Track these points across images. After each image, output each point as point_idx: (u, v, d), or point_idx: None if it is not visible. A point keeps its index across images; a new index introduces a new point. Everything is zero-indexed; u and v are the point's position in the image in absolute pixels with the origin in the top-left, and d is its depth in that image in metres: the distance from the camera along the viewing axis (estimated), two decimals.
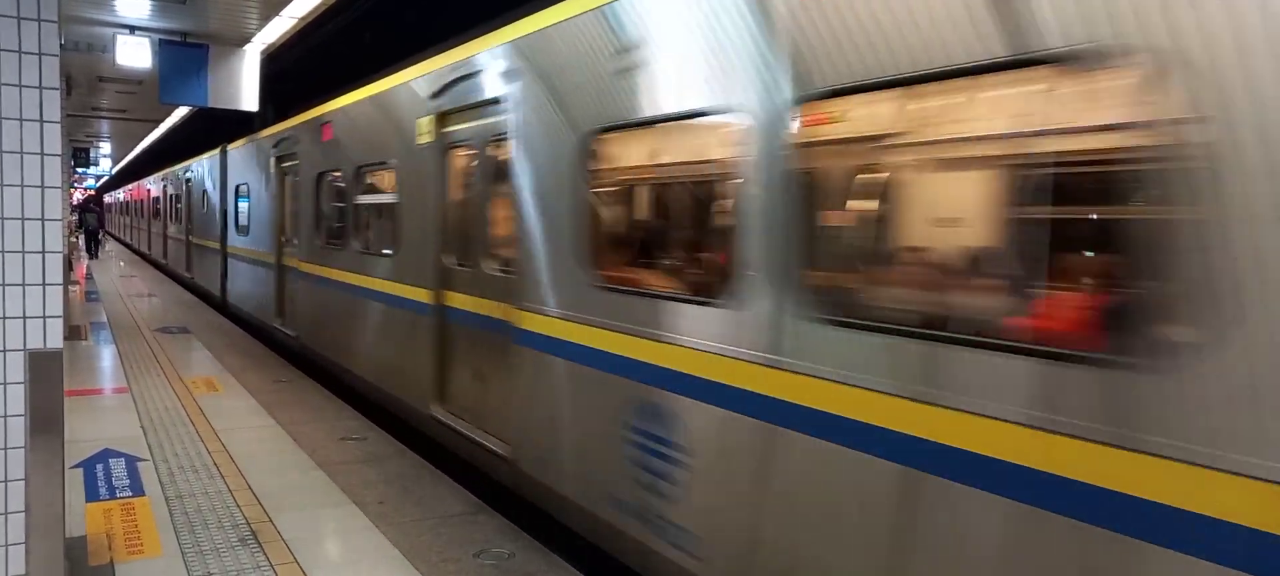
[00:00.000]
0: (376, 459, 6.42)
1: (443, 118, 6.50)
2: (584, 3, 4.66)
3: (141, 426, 7.08)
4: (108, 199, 52.36)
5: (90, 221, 30.17)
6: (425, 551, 4.72)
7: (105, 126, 22.44)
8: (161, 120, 19.12)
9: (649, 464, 4.20)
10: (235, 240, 14.19)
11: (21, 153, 3.53)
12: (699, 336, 3.91)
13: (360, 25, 13.29)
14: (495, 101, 5.65)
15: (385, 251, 7.67)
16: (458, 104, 6.22)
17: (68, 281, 9.41)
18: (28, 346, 3.56)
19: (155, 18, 9.11)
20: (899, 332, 3.05)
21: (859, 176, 3.70)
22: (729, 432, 3.75)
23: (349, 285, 8.61)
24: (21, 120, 3.53)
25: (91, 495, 5.42)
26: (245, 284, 13.55)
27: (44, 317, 3.60)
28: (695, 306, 3.97)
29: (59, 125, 3.62)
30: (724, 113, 3.74)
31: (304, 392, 8.71)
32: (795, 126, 3.41)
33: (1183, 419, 2.30)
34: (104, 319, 13.62)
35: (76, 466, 5.89)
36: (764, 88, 3.52)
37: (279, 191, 11.56)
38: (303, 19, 8.92)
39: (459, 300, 6.37)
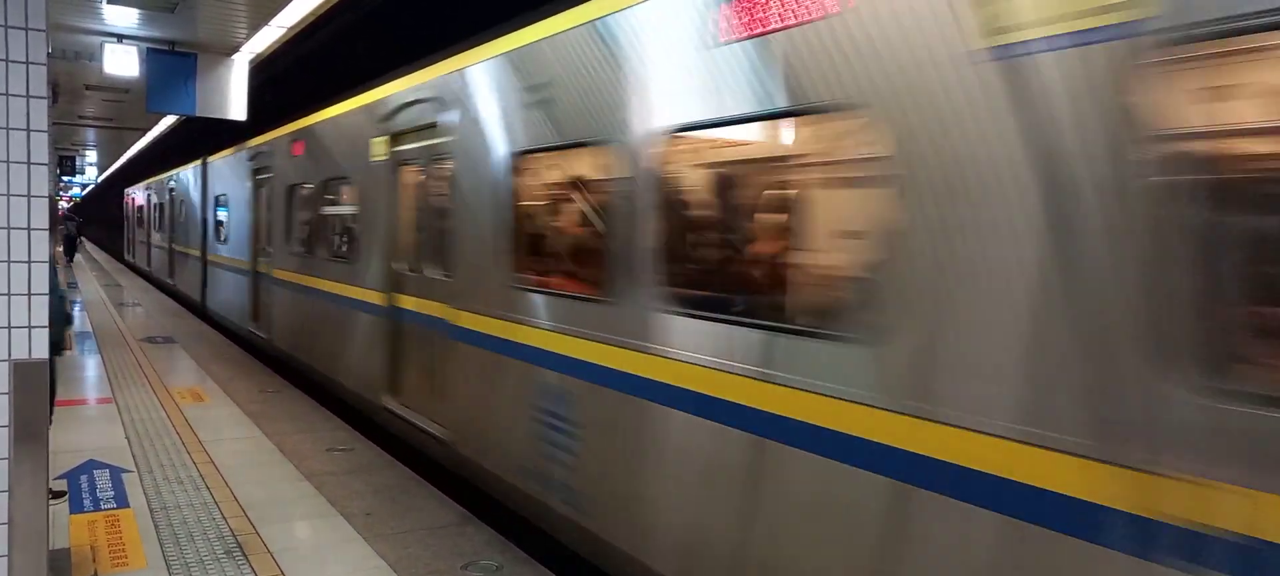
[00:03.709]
0: (364, 469, 6.39)
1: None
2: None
3: (127, 437, 7.02)
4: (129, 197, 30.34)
5: (70, 229, 31.36)
6: (412, 562, 4.70)
7: (91, 135, 22.33)
8: (148, 129, 19.05)
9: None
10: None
11: (8, 161, 3.51)
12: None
13: (351, 34, 13.27)
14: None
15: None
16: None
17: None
18: (13, 356, 3.53)
19: (143, 26, 9.09)
20: None
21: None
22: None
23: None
24: (8, 129, 3.51)
25: (76, 507, 5.37)
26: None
27: (29, 328, 3.57)
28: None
29: (46, 134, 3.60)
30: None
31: (291, 403, 8.67)
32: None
33: None
34: (89, 328, 13.52)
35: (61, 478, 5.83)
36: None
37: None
38: (292, 28, 8.91)
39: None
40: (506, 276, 5.34)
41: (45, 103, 3.58)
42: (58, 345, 5.23)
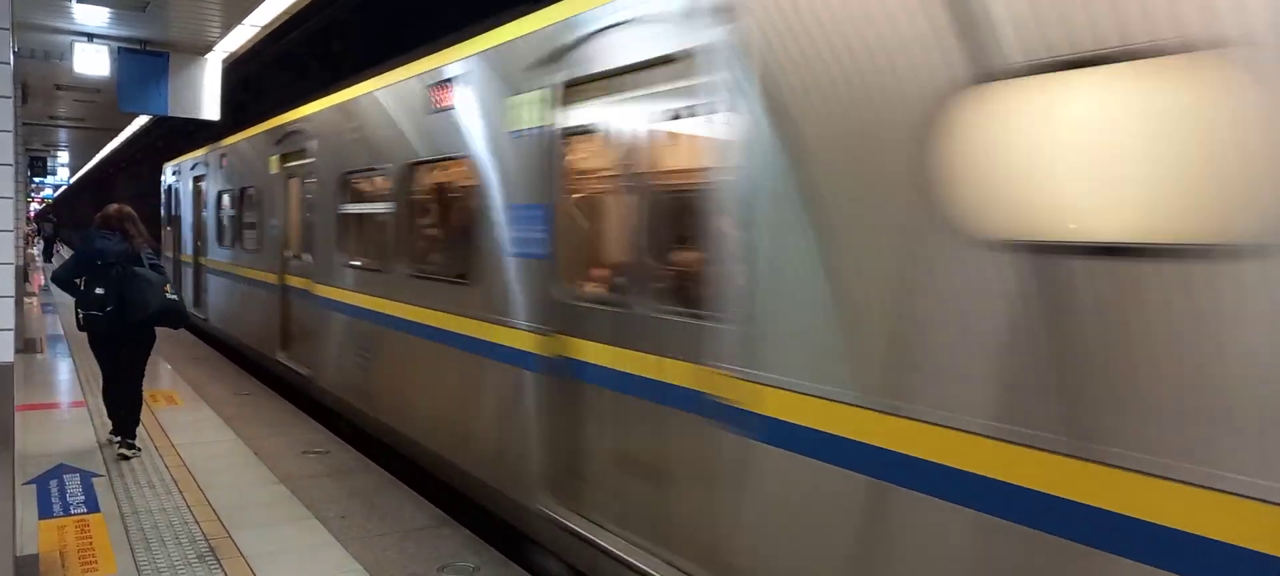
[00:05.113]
0: (339, 472, 6.35)
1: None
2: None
3: (98, 441, 6.94)
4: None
5: (46, 229, 30.75)
6: (388, 565, 4.68)
7: (63, 135, 22.06)
8: (121, 128, 18.83)
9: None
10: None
11: None
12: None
13: (325, 34, 13.19)
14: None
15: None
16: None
17: (22, 293, 9.23)
18: None
19: (114, 26, 8.98)
20: None
21: None
22: None
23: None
24: None
25: (45, 512, 5.31)
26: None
27: None
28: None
29: (11, 134, 3.55)
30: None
31: (266, 406, 8.60)
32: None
33: None
34: (61, 331, 13.34)
35: (29, 483, 5.76)
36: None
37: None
38: (265, 28, 8.84)
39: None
40: None
41: (10, 103, 3.54)
42: (183, 316, 6.84)
